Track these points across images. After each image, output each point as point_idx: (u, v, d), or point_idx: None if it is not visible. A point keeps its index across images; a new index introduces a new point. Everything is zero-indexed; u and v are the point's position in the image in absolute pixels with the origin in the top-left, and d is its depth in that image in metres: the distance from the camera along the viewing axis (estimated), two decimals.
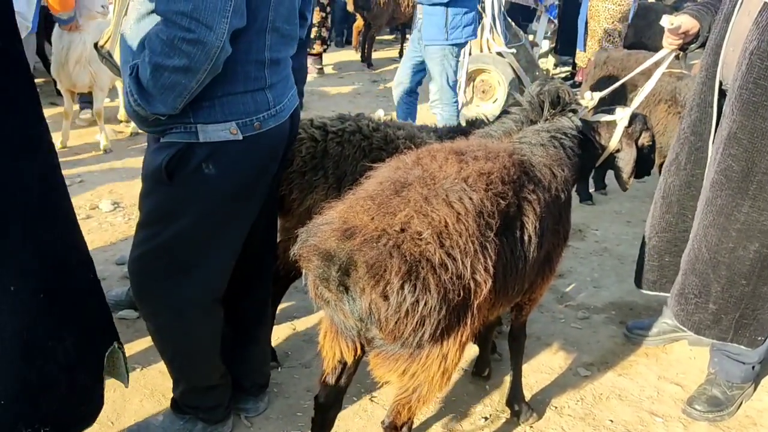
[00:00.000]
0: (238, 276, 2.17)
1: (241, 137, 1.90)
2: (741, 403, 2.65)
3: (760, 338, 2.44)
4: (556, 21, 8.65)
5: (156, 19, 1.75)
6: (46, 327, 1.76)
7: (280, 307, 2.86)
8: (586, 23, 7.45)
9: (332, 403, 2.00)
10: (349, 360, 1.87)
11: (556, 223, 2.17)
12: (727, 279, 2.38)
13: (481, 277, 1.71)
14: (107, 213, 4.16)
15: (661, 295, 2.82)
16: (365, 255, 1.56)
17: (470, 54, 6.36)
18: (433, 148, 1.95)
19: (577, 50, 7.75)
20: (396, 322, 1.61)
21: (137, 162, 2.00)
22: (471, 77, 6.46)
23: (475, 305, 1.74)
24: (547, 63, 8.79)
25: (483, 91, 6.59)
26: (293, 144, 2.26)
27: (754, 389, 2.73)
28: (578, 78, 7.84)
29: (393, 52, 9.85)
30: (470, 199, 1.73)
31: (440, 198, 1.71)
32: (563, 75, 8.51)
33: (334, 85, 7.86)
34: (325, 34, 8.05)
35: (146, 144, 2.12)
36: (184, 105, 1.80)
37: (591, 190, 4.75)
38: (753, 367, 2.60)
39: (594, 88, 4.08)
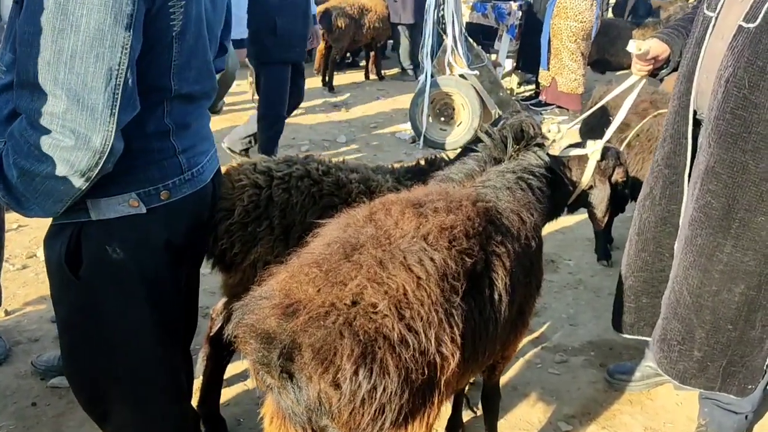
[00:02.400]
0: None
1: (144, 210, 1.57)
2: None
3: (750, 387, 2.25)
4: (514, 40, 8.54)
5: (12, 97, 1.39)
6: None
7: (232, 364, 2.60)
8: (549, 42, 7.37)
9: None
10: None
11: (528, 275, 1.97)
12: (711, 324, 2.20)
13: (448, 350, 1.50)
14: None
15: (639, 338, 2.63)
16: (311, 336, 1.35)
17: (432, 77, 6.21)
18: (387, 200, 1.73)
19: (541, 69, 7.66)
20: (351, 413, 1.39)
21: None
22: (434, 101, 6.30)
23: (443, 381, 1.53)
24: (511, 82, 8.68)
25: (446, 115, 6.42)
26: (215, 212, 1.99)
27: None
28: (542, 97, 7.76)
29: (354, 76, 9.66)
30: (432, 260, 1.53)
31: (397, 261, 1.50)
32: (527, 94, 8.42)
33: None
34: None
35: None
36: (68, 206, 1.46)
37: None
38: (746, 417, 2.41)
39: (587, 123, 3.89)
